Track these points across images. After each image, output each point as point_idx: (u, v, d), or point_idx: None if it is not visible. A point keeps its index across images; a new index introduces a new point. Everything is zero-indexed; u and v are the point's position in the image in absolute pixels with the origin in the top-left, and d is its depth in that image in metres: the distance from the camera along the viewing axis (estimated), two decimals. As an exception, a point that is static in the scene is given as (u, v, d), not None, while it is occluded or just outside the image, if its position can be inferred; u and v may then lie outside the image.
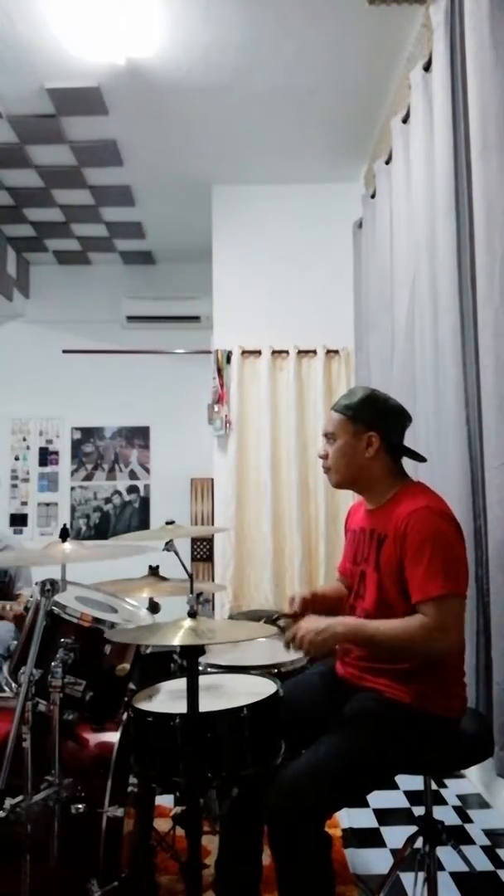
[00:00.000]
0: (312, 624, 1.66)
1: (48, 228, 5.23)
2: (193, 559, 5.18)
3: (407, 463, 1.90)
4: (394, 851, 2.31)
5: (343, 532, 2.09)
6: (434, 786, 2.41)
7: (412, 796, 2.72)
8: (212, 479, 4.77)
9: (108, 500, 5.86)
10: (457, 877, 2.13)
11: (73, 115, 3.75)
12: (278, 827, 1.53)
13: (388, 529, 1.72)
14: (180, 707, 1.49)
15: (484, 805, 2.69)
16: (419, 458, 1.89)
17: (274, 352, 4.47)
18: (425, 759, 1.67)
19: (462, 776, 2.91)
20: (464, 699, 1.75)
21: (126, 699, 1.83)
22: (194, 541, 5.19)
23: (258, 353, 4.48)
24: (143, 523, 5.83)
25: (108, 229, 5.26)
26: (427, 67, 2.79)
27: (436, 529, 1.64)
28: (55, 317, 5.86)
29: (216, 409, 4.49)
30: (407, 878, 2.01)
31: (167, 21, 3.08)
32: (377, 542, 1.76)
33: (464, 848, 2.02)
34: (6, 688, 1.82)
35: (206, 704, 1.54)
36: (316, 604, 1.94)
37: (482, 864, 2.24)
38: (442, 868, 2.09)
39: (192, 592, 1.62)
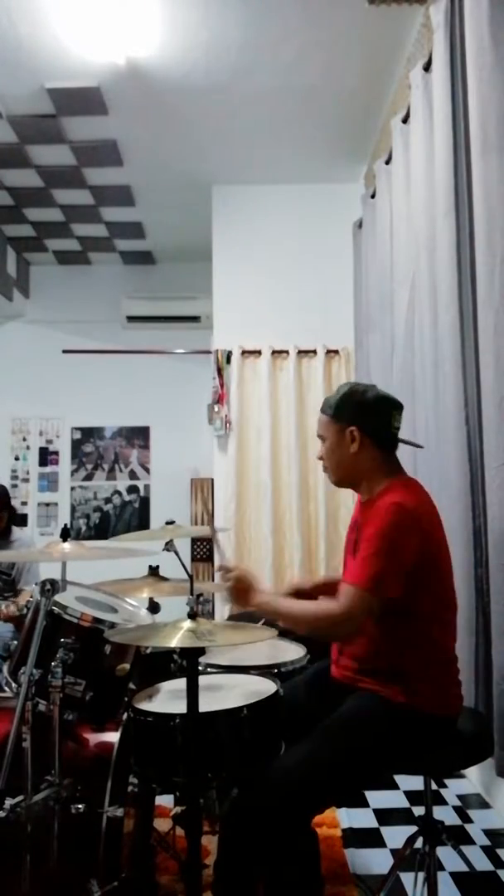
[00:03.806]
0: (246, 583, 1.78)
1: (48, 228, 5.23)
2: (193, 559, 5.18)
3: (407, 463, 1.90)
4: (394, 851, 2.31)
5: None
6: (434, 786, 2.42)
7: (412, 796, 2.72)
8: (212, 479, 4.77)
9: (108, 500, 5.87)
10: (457, 877, 2.13)
11: (73, 115, 3.75)
12: (265, 822, 1.54)
13: (366, 523, 1.74)
14: (180, 707, 1.49)
15: (484, 805, 2.69)
16: (414, 445, 1.90)
17: (274, 352, 4.47)
18: (421, 759, 1.67)
19: (462, 776, 2.91)
20: (459, 698, 1.75)
21: (126, 699, 1.83)
22: (194, 541, 5.19)
23: (258, 353, 4.49)
24: (143, 523, 5.83)
25: (108, 229, 5.26)
26: (427, 67, 2.79)
27: (393, 526, 1.64)
28: (55, 317, 5.86)
29: (216, 409, 4.49)
30: (407, 878, 2.01)
31: (167, 21, 3.08)
32: (359, 533, 1.78)
33: (464, 848, 2.03)
34: (6, 688, 1.82)
35: (206, 704, 1.54)
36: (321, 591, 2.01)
37: (482, 864, 2.24)
38: (442, 868, 2.09)
39: (192, 594, 1.62)
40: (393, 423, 1.83)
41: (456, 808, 2.66)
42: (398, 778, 2.83)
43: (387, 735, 1.64)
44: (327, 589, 2.01)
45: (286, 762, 1.59)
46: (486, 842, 2.39)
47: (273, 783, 1.55)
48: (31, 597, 1.88)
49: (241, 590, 1.78)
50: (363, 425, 1.80)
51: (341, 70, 3.47)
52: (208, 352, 4.73)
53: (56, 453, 5.88)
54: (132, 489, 5.88)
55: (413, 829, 1.85)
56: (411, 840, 1.84)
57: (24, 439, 5.88)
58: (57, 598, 1.70)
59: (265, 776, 1.57)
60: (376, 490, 1.80)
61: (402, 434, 1.87)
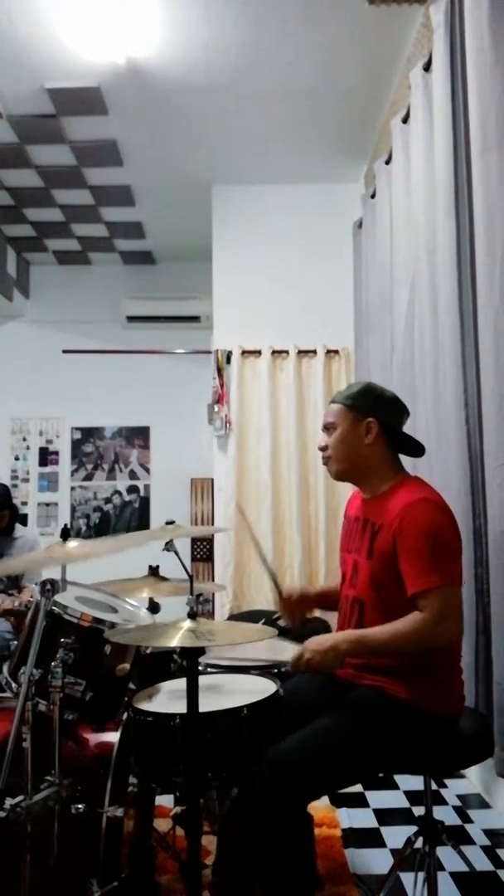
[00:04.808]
0: (316, 645, 1.66)
1: (48, 228, 5.22)
2: (193, 559, 5.18)
3: (407, 462, 1.91)
4: (394, 851, 2.31)
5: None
6: (434, 786, 2.42)
7: (412, 796, 2.72)
8: (212, 479, 4.77)
9: (108, 500, 5.87)
10: (457, 877, 2.13)
11: (73, 115, 3.75)
12: (261, 803, 1.55)
13: (383, 520, 1.74)
14: (180, 707, 1.49)
15: (484, 805, 2.69)
16: (418, 451, 1.90)
17: (274, 352, 4.47)
18: (422, 758, 1.68)
19: (462, 776, 2.91)
20: (462, 698, 1.76)
21: (126, 699, 1.83)
22: (194, 541, 5.18)
23: (258, 353, 4.48)
24: (143, 523, 5.83)
25: (108, 229, 5.26)
26: (427, 67, 2.78)
27: (432, 522, 1.66)
28: (55, 317, 5.86)
29: (216, 409, 4.49)
30: (407, 878, 2.01)
31: (167, 21, 3.08)
32: (371, 532, 1.77)
33: (464, 848, 2.03)
34: (6, 688, 1.82)
35: (206, 704, 1.54)
36: (322, 601, 2.01)
37: (482, 864, 2.24)
38: (442, 868, 2.08)
39: (192, 594, 1.62)
40: (403, 425, 1.88)
41: (456, 808, 2.66)
42: (398, 778, 2.83)
43: (388, 727, 1.64)
44: (327, 598, 2.01)
45: (286, 745, 1.60)
46: (486, 842, 2.39)
47: (272, 764, 1.56)
48: (32, 596, 1.88)
49: (322, 659, 1.64)
50: (379, 418, 1.82)
51: (341, 70, 3.47)
52: (208, 352, 4.73)
53: (56, 453, 5.88)
54: (132, 489, 5.88)
55: (413, 829, 1.85)
56: (411, 840, 1.84)
57: (24, 439, 5.88)
58: (57, 598, 1.70)
59: (265, 758, 1.57)
60: (384, 486, 1.82)
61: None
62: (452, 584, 1.63)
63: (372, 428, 1.81)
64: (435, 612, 1.59)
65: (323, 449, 1.88)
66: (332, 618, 2.23)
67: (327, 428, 1.88)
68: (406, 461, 1.92)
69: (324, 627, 3.22)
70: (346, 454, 1.84)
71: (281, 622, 2.03)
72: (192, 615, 1.51)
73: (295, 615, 2.01)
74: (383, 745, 1.64)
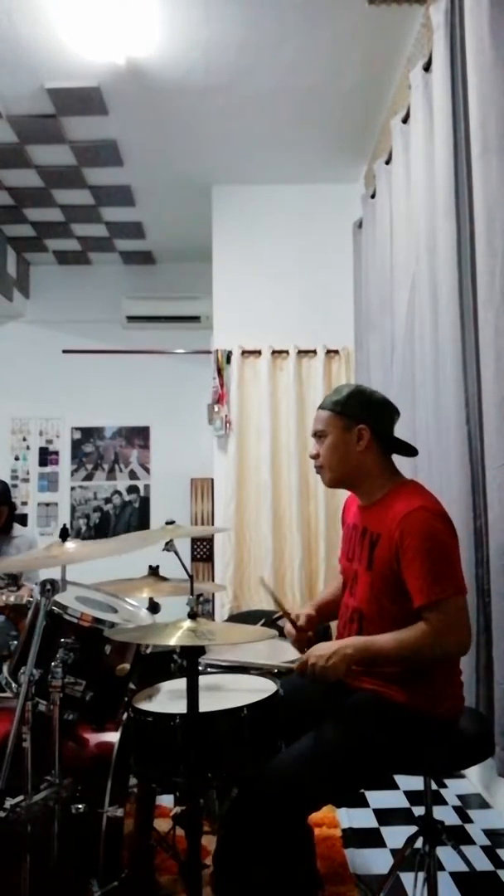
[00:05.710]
0: (321, 650, 1.64)
1: (48, 228, 5.23)
2: (193, 559, 5.18)
3: (407, 462, 1.90)
4: (394, 851, 2.31)
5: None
6: (434, 786, 2.42)
7: (412, 796, 2.72)
8: (212, 479, 4.77)
9: (108, 500, 5.87)
10: (457, 877, 2.13)
11: (73, 115, 3.75)
12: (262, 818, 1.54)
13: (381, 529, 1.72)
14: (180, 707, 1.49)
15: (484, 805, 2.69)
16: (411, 452, 1.88)
17: (274, 352, 4.47)
18: (421, 759, 1.67)
19: (462, 776, 2.91)
20: (460, 699, 1.75)
21: (126, 699, 1.83)
22: (194, 541, 5.19)
23: (258, 353, 4.48)
24: (143, 523, 5.83)
25: (108, 229, 5.26)
26: (427, 67, 2.79)
27: (433, 532, 1.64)
28: (55, 317, 5.86)
29: (216, 409, 4.49)
30: (407, 878, 2.01)
31: (167, 21, 3.08)
32: (370, 541, 1.75)
33: (464, 848, 2.02)
34: (6, 688, 1.82)
35: (206, 704, 1.54)
36: (323, 614, 1.97)
37: (482, 864, 2.24)
38: (442, 868, 2.09)
39: (192, 594, 1.62)
40: (393, 428, 1.85)
41: (456, 808, 2.66)
42: (398, 778, 2.83)
43: (385, 733, 1.64)
44: (328, 609, 2.00)
45: (285, 759, 1.60)
46: (486, 842, 2.39)
47: (271, 780, 1.55)
48: (31, 595, 1.88)
49: (326, 663, 1.60)
50: (371, 424, 1.79)
51: (341, 70, 3.47)
52: (208, 352, 4.73)
53: (56, 453, 5.88)
54: (132, 489, 5.88)
55: (413, 829, 1.85)
56: (411, 840, 1.84)
57: (24, 439, 5.88)
58: (57, 598, 1.70)
59: (264, 773, 1.57)
60: (380, 493, 1.80)
61: (400, 435, 1.87)
62: (458, 594, 1.61)
63: (364, 435, 1.77)
64: (442, 624, 1.57)
65: (315, 457, 1.84)
66: (332, 623, 2.23)
67: (317, 435, 1.84)
68: (406, 461, 1.91)
69: (323, 630, 3.22)
70: (338, 462, 1.80)
71: (281, 623, 2.02)
72: (192, 615, 1.50)
73: (307, 643, 1.92)
74: (381, 752, 1.64)
